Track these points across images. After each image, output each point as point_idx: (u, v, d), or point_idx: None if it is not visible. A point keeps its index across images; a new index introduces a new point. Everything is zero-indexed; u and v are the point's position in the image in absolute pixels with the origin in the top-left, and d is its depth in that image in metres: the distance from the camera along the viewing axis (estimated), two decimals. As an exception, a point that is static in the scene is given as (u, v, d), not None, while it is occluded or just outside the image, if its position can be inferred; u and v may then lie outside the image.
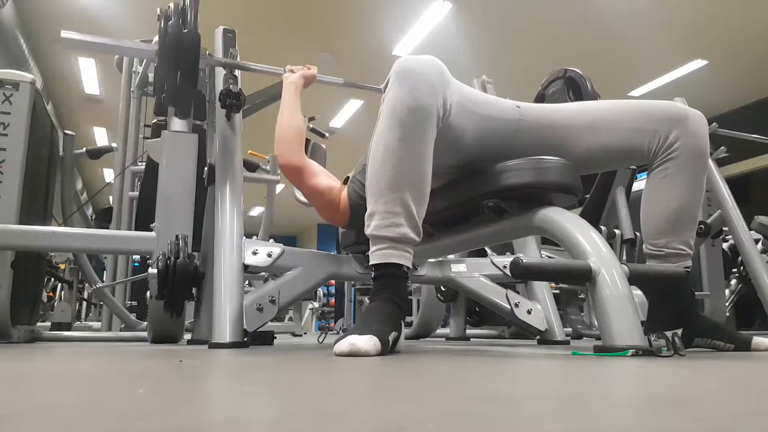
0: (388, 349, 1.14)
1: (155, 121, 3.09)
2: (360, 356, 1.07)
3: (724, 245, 3.66)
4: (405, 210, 1.25)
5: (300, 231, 15.88)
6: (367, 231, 1.27)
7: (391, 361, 1.03)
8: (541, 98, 2.27)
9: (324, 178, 1.75)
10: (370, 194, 1.28)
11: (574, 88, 2.13)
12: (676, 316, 1.35)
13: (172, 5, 1.76)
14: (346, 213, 1.73)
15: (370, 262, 1.28)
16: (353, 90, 7.56)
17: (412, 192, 1.25)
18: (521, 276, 1.31)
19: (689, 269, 1.41)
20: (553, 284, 2.83)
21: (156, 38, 3.36)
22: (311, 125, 2.52)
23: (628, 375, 0.81)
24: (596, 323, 1.68)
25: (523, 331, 2.74)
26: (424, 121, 1.25)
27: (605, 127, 1.48)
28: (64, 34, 1.81)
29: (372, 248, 1.27)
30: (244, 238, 1.81)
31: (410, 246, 1.27)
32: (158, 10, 1.78)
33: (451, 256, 2.29)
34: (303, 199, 2.85)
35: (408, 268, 1.28)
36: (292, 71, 1.93)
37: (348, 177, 1.81)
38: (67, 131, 2.75)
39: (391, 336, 1.17)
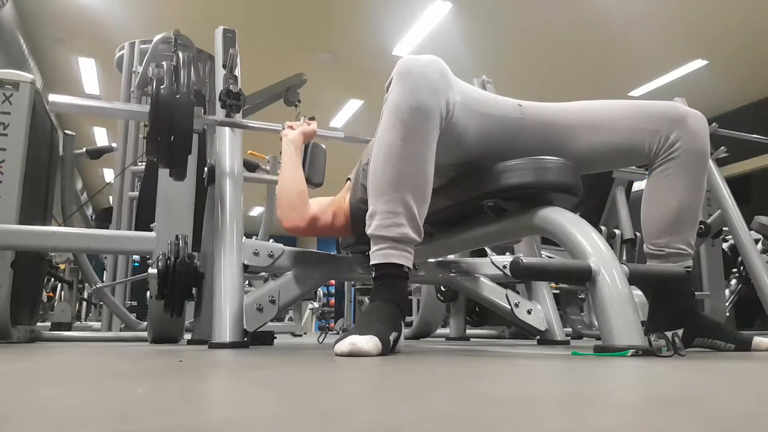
0: (389, 349, 1.14)
1: (155, 121, 3.08)
2: (361, 356, 1.07)
3: (724, 245, 3.66)
4: (406, 210, 1.25)
5: (300, 231, 15.86)
6: (368, 231, 1.27)
7: (391, 361, 1.03)
8: None
9: (327, 212, 1.73)
10: (371, 194, 1.28)
11: None
12: (676, 316, 1.35)
13: (165, 65, 1.72)
14: (348, 225, 1.73)
15: (371, 262, 1.28)
16: (353, 90, 7.60)
17: (414, 192, 1.25)
18: (521, 276, 1.31)
19: (690, 269, 1.41)
20: (553, 284, 2.83)
21: (157, 38, 3.36)
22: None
23: (628, 375, 0.81)
24: (596, 323, 1.68)
25: (523, 331, 2.74)
26: (426, 121, 1.25)
27: (606, 126, 1.48)
28: (52, 98, 1.78)
29: (373, 248, 1.27)
30: (244, 238, 1.81)
31: (411, 246, 1.27)
32: (150, 71, 1.74)
33: (451, 256, 2.29)
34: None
35: (408, 268, 1.28)
36: (291, 128, 1.88)
37: (349, 178, 1.81)
38: (67, 131, 2.75)
39: (392, 336, 1.17)
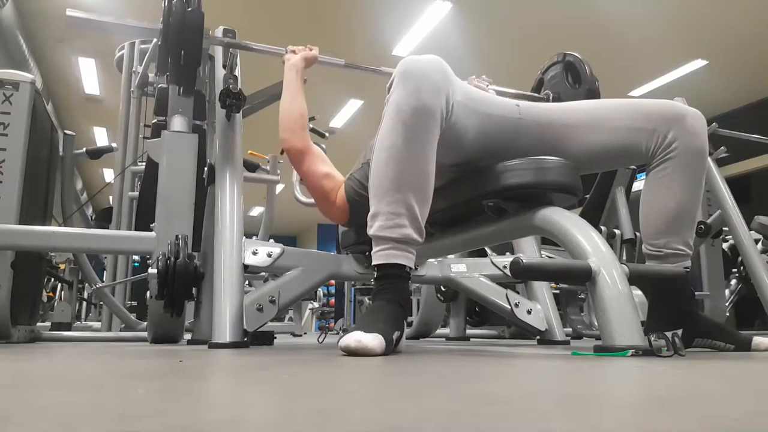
0: (392, 348, 1.15)
1: (155, 121, 3.09)
2: (365, 354, 1.07)
3: (724, 245, 3.66)
4: (408, 211, 1.25)
5: (300, 231, 15.88)
6: (370, 231, 1.27)
7: (391, 360, 1.03)
8: (539, 83, 2.25)
9: (324, 165, 1.75)
10: (373, 195, 1.28)
11: (573, 73, 2.12)
12: (676, 316, 1.35)
13: None
14: (344, 210, 1.73)
15: (373, 262, 1.28)
16: (353, 90, 7.59)
17: (416, 193, 1.26)
18: (521, 276, 1.31)
19: (689, 269, 1.41)
20: (553, 284, 2.83)
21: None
22: (311, 125, 2.52)
23: (628, 375, 0.81)
24: (596, 323, 1.68)
25: (523, 331, 2.74)
26: (428, 122, 1.25)
27: (604, 126, 1.48)
28: (70, 12, 1.81)
29: (375, 248, 1.27)
30: (244, 238, 1.81)
31: (413, 247, 1.27)
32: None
33: (451, 256, 2.29)
34: (303, 198, 2.86)
35: (410, 268, 1.28)
36: (293, 52, 1.90)
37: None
38: (67, 131, 2.75)
39: (395, 335, 1.18)
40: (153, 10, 1.88)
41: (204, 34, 1.80)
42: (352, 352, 1.08)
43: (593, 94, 2.02)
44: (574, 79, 2.12)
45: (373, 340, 1.08)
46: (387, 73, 2.19)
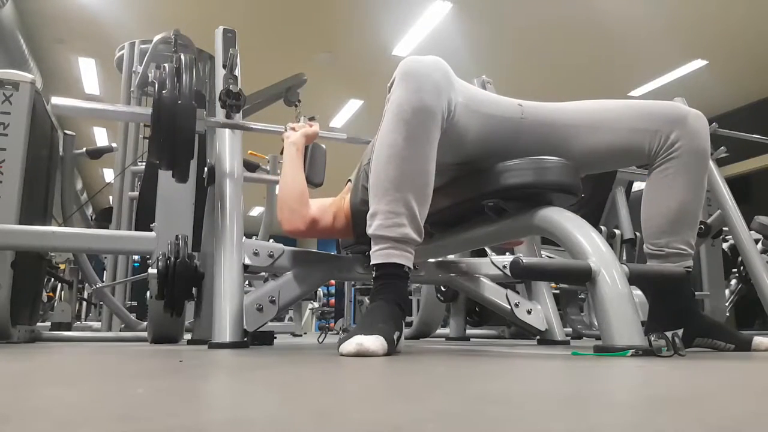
0: (393, 348, 1.15)
1: (155, 121, 3.09)
2: (368, 356, 1.07)
3: (724, 245, 3.66)
4: (408, 210, 1.25)
5: (300, 231, 15.86)
6: (369, 231, 1.27)
7: (390, 361, 1.03)
8: None
9: (327, 213, 1.73)
10: (373, 194, 1.28)
11: None
12: (676, 316, 1.35)
13: (167, 68, 1.72)
14: (349, 224, 1.73)
15: (372, 262, 1.28)
16: (353, 90, 7.59)
17: (415, 192, 1.26)
18: (521, 276, 1.31)
19: (690, 269, 1.41)
20: (553, 284, 2.83)
21: (157, 38, 3.35)
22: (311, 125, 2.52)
23: (628, 375, 0.81)
24: (596, 323, 1.68)
25: (523, 331, 2.74)
26: (428, 122, 1.25)
27: (606, 126, 1.48)
28: (54, 101, 1.78)
29: (373, 248, 1.27)
30: (244, 238, 1.81)
31: (412, 246, 1.27)
32: (151, 74, 1.75)
33: (451, 256, 2.28)
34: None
35: (409, 268, 1.28)
36: (293, 129, 1.87)
37: (349, 180, 1.81)
38: (67, 131, 2.75)
39: (395, 335, 1.17)
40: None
41: (197, 116, 1.73)
42: (353, 356, 1.08)
43: None
44: None
45: (374, 342, 1.08)
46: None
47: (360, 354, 1.07)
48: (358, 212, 1.66)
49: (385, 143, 1.27)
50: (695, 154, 1.40)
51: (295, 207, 1.68)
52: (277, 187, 1.74)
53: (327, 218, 1.72)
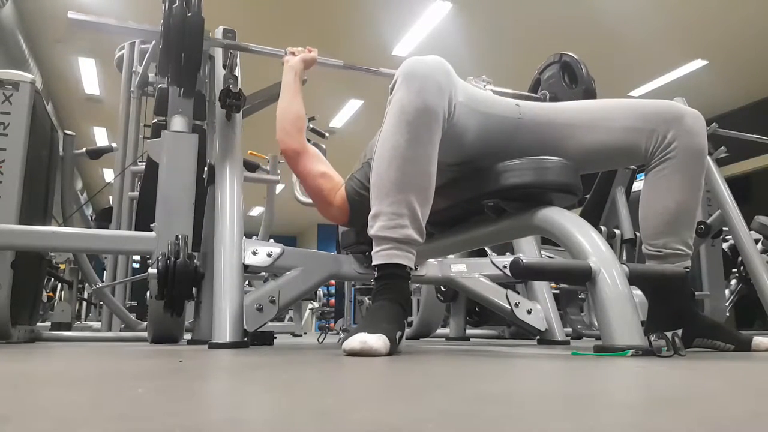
0: (396, 348, 1.15)
1: (155, 121, 3.09)
2: (371, 355, 1.07)
3: (724, 245, 3.66)
4: (410, 211, 1.25)
5: (300, 231, 15.88)
6: (371, 231, 1.28)
7: (391, 360, 1.03)
8: (536, 82, 2.26)
9: (321, 165, 1.75)
10: (375, 195, 1.28)
11: (569, 72, 2.13)
12: (676, 316, 1.35)
13: None
14: (344, 211, 1.72)
15: (373, 262, 1.28)
16: (353, 90, 7.58)
17: (417, 193, 1.26)
18: (521, 276, 1.31)
19: (688, 269, 1.41)
20: (553, 284, 2.83)
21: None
22: (311, 125, 2.52)
23: (628, 375, 0.81)
24: (596, 323, 1.68)
25: (523, 331, 2.74)
26: (431, 123, 1.25)
27: (603, 126, 1.48)
28: (71, 14, 1.82)
29: (375, 248, 1.27)
30: (244, 238, 1.81)
31: (413, 247, 1.28)
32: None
33: (451, 256, 2.29)
34: (303, 198, 2.86)
35: (411, 268, 1.28)
36: (293, 54, 1.90)
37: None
38: (67, 131, 2.75)
39: (397, 335, 1.18)
40: (153, 10, 1.88)
41: (204, 36, 1.80)
42: (356, 354, 1.08)
43: (590, 94, 2.03)
44: (571, 80, 2.12)
45: (377, 341, 1.08)
46: (385, 74, 2.20)
47: (363, 352, 1.07)
48: (354, 201, 1.68)
49: (387, 144, 1.27)
50: (692, 153, 1.40)
51: (288, 129, 1.71)
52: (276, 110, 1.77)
53: (332, 179, 1.73)
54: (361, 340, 1.08)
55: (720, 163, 3.13)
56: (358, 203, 1.64)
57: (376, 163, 1.29)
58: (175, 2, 1.73)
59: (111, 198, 4.16)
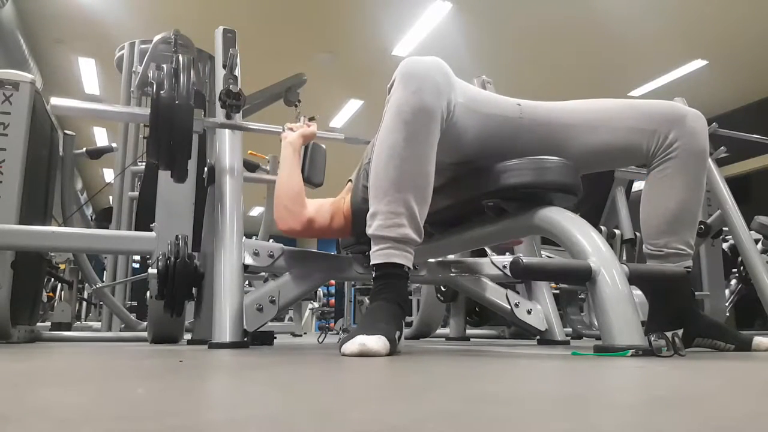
0: (395, 348, 1.15)
1: (155, 121, 3.09)
2: (370, 356, 1.07)
3: (724, 245, 3.66)
4: (407, 211, 1.25)
5: (300, 231, 15.87)
6: (369, 231, 1.28)
7: (390, 360, 1.03)
8: None
9: (323, 213, 1.72)
10: (373, 194, 1.28)
11: None
12: (676, 316, 1.35)
13: (165, 68, 1.72)
14: (349, 221, 1.73)
15: (371, 262, 1.28)
16: (353, 90, 7.59)
17: (415, 193, 1.26)
18: (521, 276, 1.31)
19: (689, 269, 1.40)
20: (553, 284, 2.83)
21: (157, 38, 3.35)
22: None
23: (628, 375, 0.81)
24: (596, 323, 1.68)
25: (523, 331, 2.74)
26: (428, 123, 1.25)
27: (604, 126, 1.48)
28: (54, 101, 1.79)
29: (373, 248, 1.27)
30: (244, 238, 1.81)
31: (411, 246, 1.28)
32: (150, 74, 1.75)
33: (451, 256, 2.28)
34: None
35: (409, 268, 1.28)
36: (291, 129, 1.87)
37: (350, 180, 1.81)
38: (67, 131, 2.75)
39: (396, 335, 1.18)
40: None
41: (195, 116, 1.74)
42: (356, 356, 1.08)
43: None
44: None
45: (377, 343, 1.08)
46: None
47: (363, 354, 1.06)
48: (359, 211, 1.66)
49: (385, 144, 1.27)
50: (694, 154, 1.40)
51: (290, 207, 1.68)
52: (275, 188, 1.74)
53: (323, 218, 1.72)
54: (359, 342, 1.08)
55: (720, 163, 3.13)
56: (364, 211, 1.64)
57: (374, 162, 1.30)
58: (162, 87, 1.67)
59: (111, 198, 4.16)
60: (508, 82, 2.24)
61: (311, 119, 1.99)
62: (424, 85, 1.25)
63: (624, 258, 3.36)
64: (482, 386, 0.65)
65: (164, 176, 2.04)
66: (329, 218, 1.73)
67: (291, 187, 1.70)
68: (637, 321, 1.18)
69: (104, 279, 3.54)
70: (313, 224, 1.69)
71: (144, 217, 2.66)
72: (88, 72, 7.11)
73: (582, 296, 3.61)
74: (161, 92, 1.66)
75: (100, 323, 3.67)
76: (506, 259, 2.32)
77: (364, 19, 6.02)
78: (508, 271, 2.15)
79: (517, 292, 2.37)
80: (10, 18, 5.55)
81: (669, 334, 1.12)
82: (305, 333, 5.56)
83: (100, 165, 7.80)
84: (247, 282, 3.87)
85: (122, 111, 1.99)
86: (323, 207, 1.74)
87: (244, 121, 2.00)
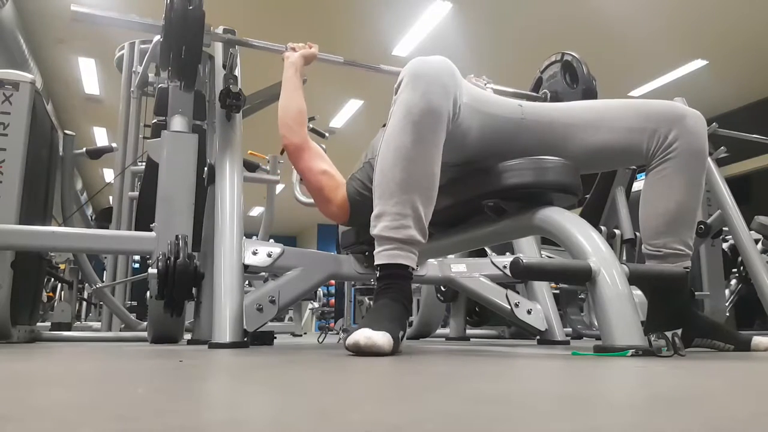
0: (398, 347, 1.15)
1: (155, 121, 3.09)
2: (374, 351, 1.07)
3: (724, 245, 3.66)
4: (414, 212, 1.25)
5: (300, 231, 15.88)
6: (374, 231, 1.28)
7: (391, 360, 1.03)
8: (538, 81, 2.27)
9: (323, 162, 1.76)
10: (379, 195, 1.28)
11: (571, 72, 2.14)
12: (676, 316, 1.35)
13: None
14: (345, 210, 1.73)
15: (376, 262, 1.28)
16: (353, 90, 7.58)
17: (421, 194, 1.26)
18: (521, 276, 1.31)
19: (689, 269, 1.41)
20: (553, 284, 2.83)
21: (157, 38, 3.36)
22: (311, 125, 2.52)
23: (628, 375, 0.81)
24: (596, 323, 1.68)
25: (523, 331, 2.74)
26: (436, 124, 1.25)
27: (605, 126, 1.48)
28: (74, 7, 1.83)
29: (378, 248, 1.27)
30: (244, 238, 1.81)
31: (416, 247, 1.28)
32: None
33: (451, 256, 2.29)
34: (303, 198, 2.86)
35: (413, 268, 1.28)
36: (293, 49, 1.92)
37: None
38: (67, 131, 2.75)
39: (400, 334, 1.18)
40: (153, 9, 1.89)
41: (205, 30, 1.81)
42: (360, 350, 1.07)
43: (590, 93, 2.04)
44: (572, 79, 2.13)
45: (382, 338, 1.08)
46: (386, 71, 2.19)
47: (367, 347, 1.06)
48: (354, 201, 1.69)
49: (392, 145, 1.27)
50: (693, 154, 1.40)
51: (290, 124, 1.74)
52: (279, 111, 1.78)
53: (334, 178, 1.74)
54: (365, 335, 1.08)
55: (720, 163, 3.13)
56: (360, 203, 1.64)
57: (380, 163, 1.29)
58: None
59: (111, 198, 4.16)
60: (508, 82, 2.23)
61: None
62: (433, 87, 1.25)
63: (624, 258, 3.36)
64: (482, 386, 0.65)
65: (164, 176, 2.04)
66: (338, 182, 1.74)
67: (291, 106, 1.77)
68: (637, 321, 1.18)
69: (104, 279, 3.54)
70: (311, 153, 1.73)
71: (144, 217, 2.65)
72: (88, 72, 7.11)
73: (582, 296, 3.61)
74: (174, 1, 1.73)
75: (100, 323, 3.67)
76: (506, 259, 2.33)
77: (364, 19, 6.02)
78: (508, 271, 2.15)
79: (517, 292, 2.37)
80: (11, 18, 5.55)
81: (669, 334, 1.12)
82: (305, 333, 5.57)
83: (100, 165, 7.80)
84: (247, 282, 3.87)
85: (138, 21, 2.05)
86: (338, 177, 1.77)
87: (248, 39, 2.02)
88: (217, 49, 2.14)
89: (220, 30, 2.11)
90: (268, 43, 2.02)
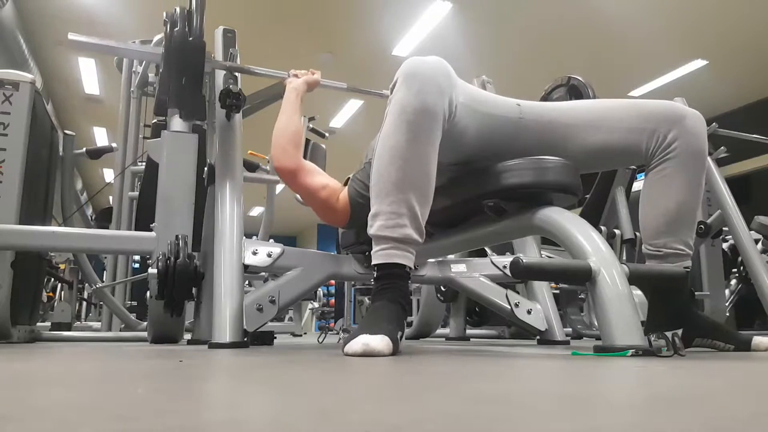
0: (398, 348, 1.15)
1: (155, 121, 3.10)
2: (373, 356, 1.07)
3: (724, 245, 3.66)
4: (409, 211, 1.25)
5: (300, 231, 15.87)
6: (371, 231, 1.28)
7: (391, 360, 1.03)
8: (544, 101, 2.29)
9: (319, 177, 1.73)
10: (375, 194, 1.29)
11: (577, 96, 2.15)
12: (676, 316, 1.35)
13: (177, 9, 1.76)
14: (346, 212, 1.72)
15: (373, 262, 1.28)
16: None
17: (417, 193, 1.26)
18: (521, 276, 1.31)
19: (689, 269, 1.40)
20: (553, 284, 2.83)
21: (157, 38, 3.36)
22: (311, 125, 2.52)
23: (628, 375, 0.81)
24: (596, 323, 1.68)
25: (523, 331, 2.74)
26: (431, 123, 1.26)
27: (604, 126, 1.48)
28: (71, 36, 1.82)
29: (375, 248, 1.27)
30: (244, 238, 1.81)
31: (413, 247, 1.28)
32: (164, 14, 1.79)
33: (451, 256, 2.28)
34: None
35: (410, 268, 1.28)
36: (296, 76, 1.91)
37: (349, 178, 1.81)
38: (67, 131, 2.75)
39: (398, 335, 1.18)
40: (154, 10, 1.89)
41: (206, 57, 1.79)
42: (359, 356, 1.08)
43: None
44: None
45: (380, 342, 1.08)
46: (387, 96, 2.19)
47: (366, 354, 1.06)
48: (356, 203, 1.68)
49: (387, 144, 1.27)
50: (693, 154, 1.40)
51: (285, 146, 1.70)
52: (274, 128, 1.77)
53: (333, 189, 1.71)
54: (363, 342, 1.08)
55: (720, 163, 3.13)
56: (360, 205, 1.64)
57: (376, 162, 1.30)
58: (176, 26, 1.72)
59: (111, 198, 4.16)
60: (508, 82, 2.24)
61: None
62: (427, 86, 1.25)
63: (624, 258, 3.36)
64: (482, 386, 0.65)
65: (164, 176, 2.04)
66: (334, 187, 1.73)
67: (288, 128, 1.74)
68: (637, 321, 1.18)
69: (104, 279, 3.54)
70: (304, 174, 1.69)
71: (144, 217, 2.65)
72: (88, 72, 7.11)
73: (582, 296, 3.61)
74: (174, 31, 1.69)
75: (100, 323, 3.67)
76: (506, 259, 2.33)
77: (364, 19, 6.02)
78: (508, 271, 2.15)
79: (517, 292, 2.37)
80: (10, 18, 5.55)
81: (669, 334, 1.12)
82: (305, 333, 5.57)
83: (100, 165, 7.80)
84: (247, 282, 3.87)
85: (136, 49, 2.04)
86: (337, 186, 1.75)
87: (250, 66, 2.02)
88: (218, 49, 2.14)
89: (219, 31, 2.11)
90: (271, 71, 2.03)
